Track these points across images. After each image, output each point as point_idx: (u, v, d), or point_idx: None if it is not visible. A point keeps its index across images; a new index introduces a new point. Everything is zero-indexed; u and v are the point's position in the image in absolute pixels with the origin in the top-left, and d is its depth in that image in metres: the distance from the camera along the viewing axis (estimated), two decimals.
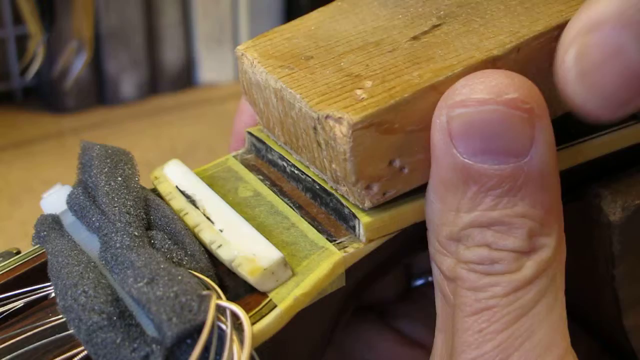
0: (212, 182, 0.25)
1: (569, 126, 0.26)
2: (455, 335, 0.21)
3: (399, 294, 0.32)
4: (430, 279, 0.32)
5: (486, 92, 0.20)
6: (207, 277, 0.21)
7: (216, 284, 0.20)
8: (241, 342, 0.19)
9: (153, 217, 0.23)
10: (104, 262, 0.21)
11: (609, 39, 0.19)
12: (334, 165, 0.22)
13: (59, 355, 0.19)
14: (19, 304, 0.21)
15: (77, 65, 0.56)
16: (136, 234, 0.21)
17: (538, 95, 0.20)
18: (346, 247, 0.22)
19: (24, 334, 0.20)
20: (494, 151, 0.20)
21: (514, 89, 0.20)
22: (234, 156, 0.26)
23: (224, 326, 0.19)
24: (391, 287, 0.32)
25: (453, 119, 0.20)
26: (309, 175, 0.24)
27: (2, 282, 0.22)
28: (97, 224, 0.22)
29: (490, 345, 0.20)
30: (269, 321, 0.20)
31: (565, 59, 0.19)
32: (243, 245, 0.21)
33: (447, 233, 0.21)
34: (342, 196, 0.23)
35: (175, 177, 0.25)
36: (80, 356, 0.19)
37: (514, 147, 0.20)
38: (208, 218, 0.23)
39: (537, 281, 0.21)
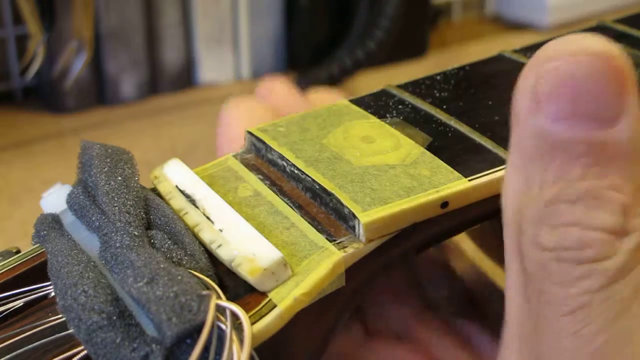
0: (211, 181, 0.25)
1: None
2: (541, 342, 0.19)
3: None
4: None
5: (583, 47, 0.19)
6: (207, 276, 0.21)
7: (216, 283, 0.20)
8: (241, 342, 0.19)
9: (153, 217, 0.23)
10: (103, 261, 0.21)
11: None
12: None
13: (58, 355, 0.19)
14: (19, 303, 0.21)
15: (77, 65, 0.56)
16: (136, 233, 0.21)
17: (631, 66, 0.19)
18: (346, 247, 0.22)
19: (23, 333, 0.20)
20: (585, 115, 0.19)
21: (613, 49, 0.19)
22: (234, 156, 0.26)
23: (223, 326, 0.19)
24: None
25: (542, 77, 0.19)
26: (309, 175, 0.24)
27: (1, 281, 0.22)
28: (97, 223, 0.22)
29: (587, 351, 0.18)
30: (269, 321, 0.20)
31: None
32: (243, 245, 0.21)
33: (532, 214, 0.19)
34: (342, 195, 0.23)
35: (175, 177, 0.25)
36: (79, 356, 0.19)
37: (606, 112, 0.19)
38: (208, 218, 0.23)
39: (634, 272, 0.18)
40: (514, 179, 0.20)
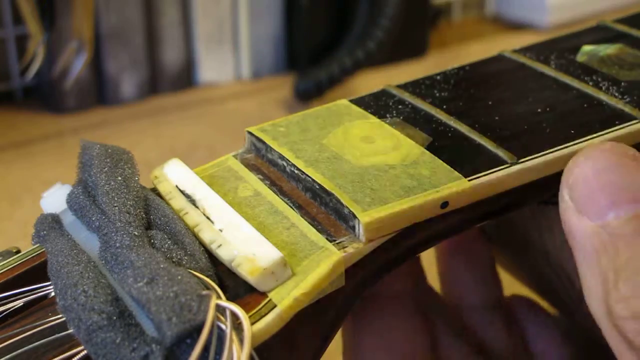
0: (212, 181, 0.25)
1: (568, 126, 0.26)
2: None
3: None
4: None
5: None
6: (207, 276, 0.21)
7: (216, 283, 0.20)
8: (241, 341, 0.19)
9: (153, 217, 0.23)
10: (103, 261, 0.21)
11: None
12: None
13: (58, 355, 0.19)
14: (19, 303, 0.21)
15: (77, 65, 0.56)
16: (136, 233, 0.21)
17: None
18: (346, 247, 0.22)
19: (23, 333, 0.20)
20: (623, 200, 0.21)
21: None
22: (234, 156, 0.26)
23: (223, 326, 0.19)
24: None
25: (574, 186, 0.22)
26: (309, 174, 0.24)
27: (1, 281, 0.22)
28: (97, 223, 0.22)
29: None
30: (269, 321, 0.20)
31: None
32: (243, 245, 0.21)
33: (622, 311, 0.20)
34: (342, 195, 0.23)
35: (175, 177, 0.25)
36: (79, 356, 0.19)
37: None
38: (208, 218, 0.23)
39: None
40: (592, 285, 0.21)
